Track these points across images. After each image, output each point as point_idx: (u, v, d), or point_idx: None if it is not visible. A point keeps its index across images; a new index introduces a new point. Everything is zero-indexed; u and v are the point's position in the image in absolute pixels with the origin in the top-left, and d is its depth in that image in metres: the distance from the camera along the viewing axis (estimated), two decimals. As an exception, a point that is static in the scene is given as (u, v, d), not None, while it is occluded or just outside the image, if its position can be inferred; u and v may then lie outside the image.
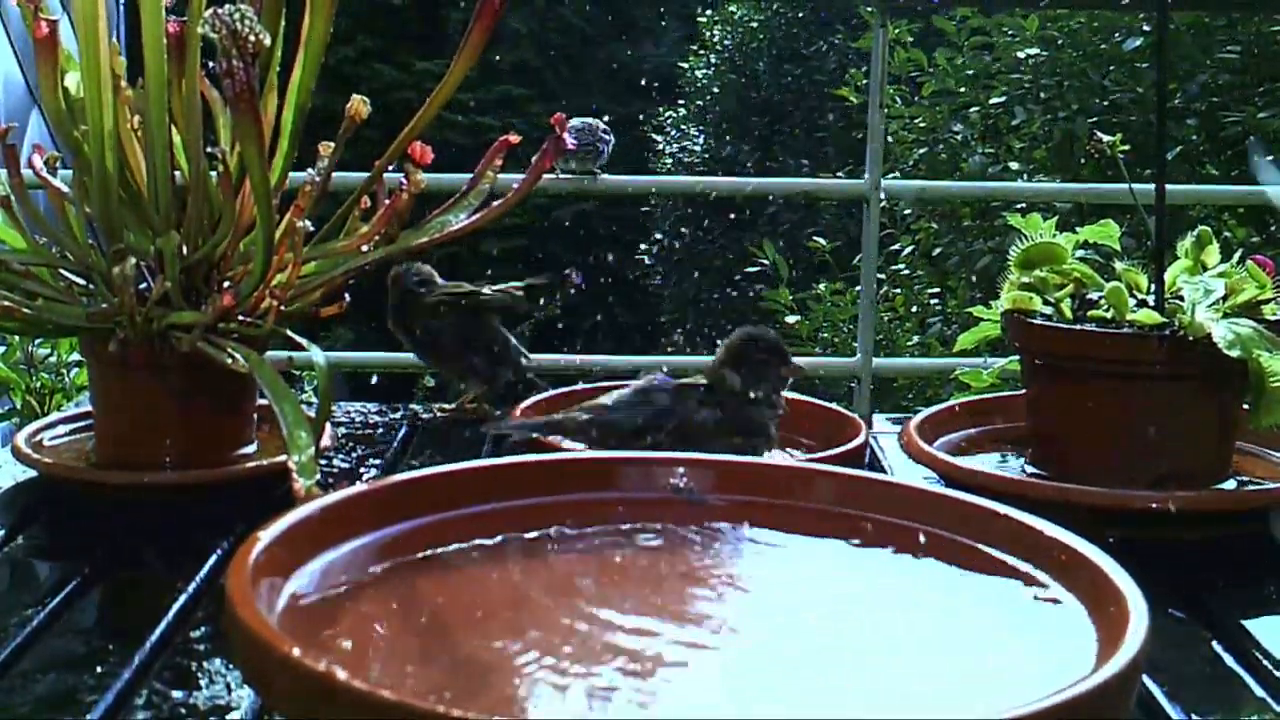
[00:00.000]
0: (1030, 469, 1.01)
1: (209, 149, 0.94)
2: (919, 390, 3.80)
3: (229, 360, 0.90)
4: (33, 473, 1.00)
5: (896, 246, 4.11)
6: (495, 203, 0.99)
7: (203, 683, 0.67)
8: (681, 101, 7.91)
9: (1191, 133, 3.50)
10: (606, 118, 2.36)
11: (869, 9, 2.87)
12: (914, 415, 1.09)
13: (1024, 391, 1.02)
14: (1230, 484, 0.97)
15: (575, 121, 2.25)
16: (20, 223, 0.98)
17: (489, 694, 0.54)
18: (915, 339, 3.90)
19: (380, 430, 1.20)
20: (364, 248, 0.98)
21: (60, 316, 0.96)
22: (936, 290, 4.02)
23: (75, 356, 2.03)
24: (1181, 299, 0.95)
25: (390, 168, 1.00)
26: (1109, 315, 0.96)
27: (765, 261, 3.59)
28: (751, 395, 0.98)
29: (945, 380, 3.29)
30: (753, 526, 0.72)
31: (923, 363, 3.39)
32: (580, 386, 1.20)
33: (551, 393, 1.17)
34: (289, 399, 0.84)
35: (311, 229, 0.96)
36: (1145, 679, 0.69)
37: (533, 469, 0.74)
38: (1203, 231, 1.00)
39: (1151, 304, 0.96)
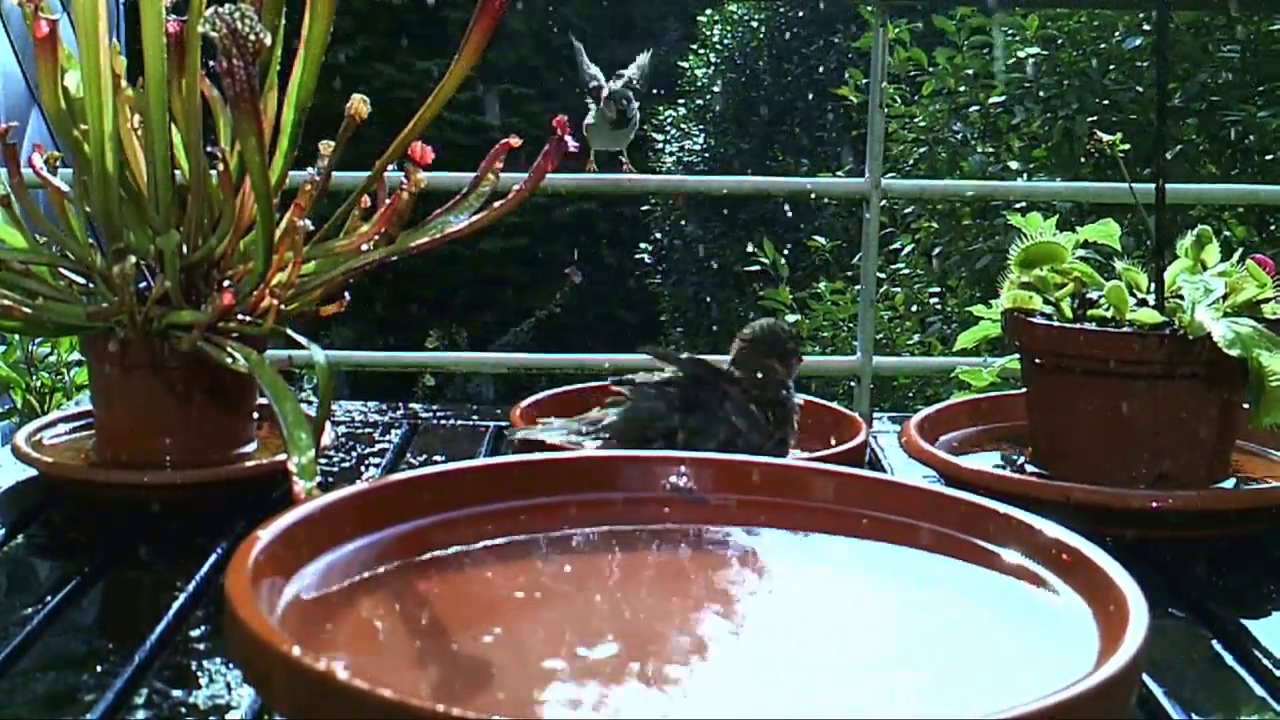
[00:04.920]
0: (1030, 468, 1.01)
1: (209, 148, 0.94)
2: (919, 389, 3.80)
3: (229, 360, 0.90)
4: (32, 472, 1.00)
5: (896, 245, 4.11)
6: (496, 203, 0.99)
7: (203, 682, 0.67)
8: (681, 101, 7.91)
9: (1191, 132, 3.50)
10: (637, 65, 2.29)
11: (869, 8, 2.86)
12: (914, 414, 1.09)
13: (1024, 390, 1.02)
14: (1230, 483, 0.97)
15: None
16: (20, 222, 0.98)
17: (490, 694, 0.54)
18: (915, 338, 3.90)
19: (380, 429, 1.20)
20: (364, 247, 0.98)
21: (60, 315, 0.96)
22: (936, 289, 4.02)
23: (75, 355, 2.03)
24: (1181, 298, 0.95)
25: (390, 167, 1.00)
26: (1109, 314, 0.96)
27: (765, 261, 3.59)
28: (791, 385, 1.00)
29: (945, 379, 3.30)
30: (753, 526, 0.72)
31: (923, 362, 3.39)
32: (577, 386, 1.20)
33: (550, 392, 1.17)
34: (289, 399, 0.84)
35: (311, 228, 0.96)
36: (1145, 678, 0.69)
37: (533, 469, 0.74)
38: (1202, 231, 1.00)
39: (1151, 303, 0.96)
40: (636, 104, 2.07)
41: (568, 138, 0.98)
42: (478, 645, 0.58)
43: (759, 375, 0.99)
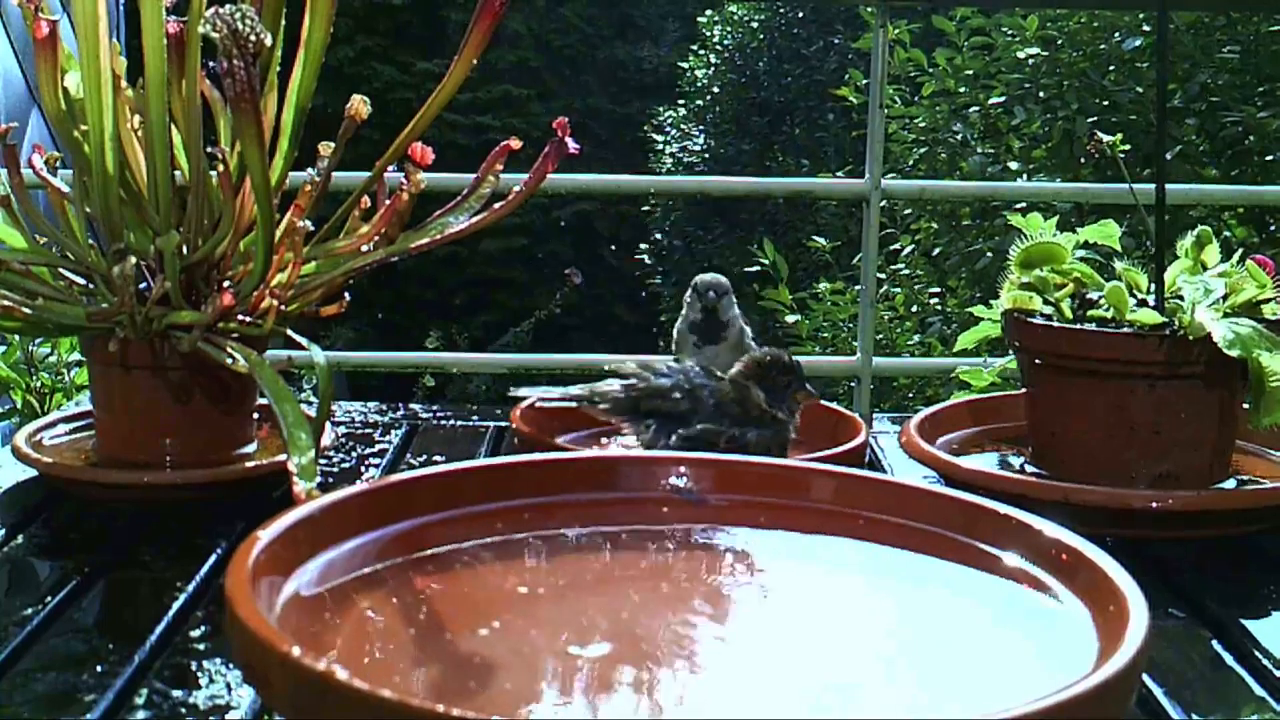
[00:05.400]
0: (1030, 469, 1.01)
1: (209, 149, 0.94)
2: (919, 390, 3.80)
3: (229, 360, 0.90)
4: (33, 472, 1.00)
5: (896, 246, 4.11)
6: (497, 205, 0.99)
7: (203, 682, 0.67)
8: (681, 101, 7.92)
9: (1191, 132, 3.50)
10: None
11: (869, 9, 2.86)
12: (914, 415, 1.09)
13: (1024, 391, 1.02)
14: (1230, 483, 0.97)
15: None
16: (20, 222, 0.98)
17: (489, 694, 0.54)
18: (915, 338, 3.90)
19: (380, 430, 1.20)
20: (364, 248, 0.98)
21: (60, 316, 0.96)
22: (936, 290, 4.02)
23: (75, 356, 2.03)
24: (1181, 299, 0.95)
25: (390, 168, 1.00)
26: (1109, 315, 0.96)
27: (765, 261, 3.59)
28: (777, 414, 1.00)
29: (945, 380, 3.30)
30: (753, 527, 0.72)
31: (923, 362, 3.39)
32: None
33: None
34: (289, 400, 0.84)
35: (311, 229, 0.96)
36: (1145, 678, 0.69)
37: (533, 468, 0.74)
38: (1202, 231, 1.00)
39: (1151, 304, 0.96)
40: (738, 313, 1.24)
41: (568, 139, 0.98)
42: (476, 644, 0.58)
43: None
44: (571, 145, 0.98)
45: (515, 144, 1.01)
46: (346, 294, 1.03)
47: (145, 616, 0.75)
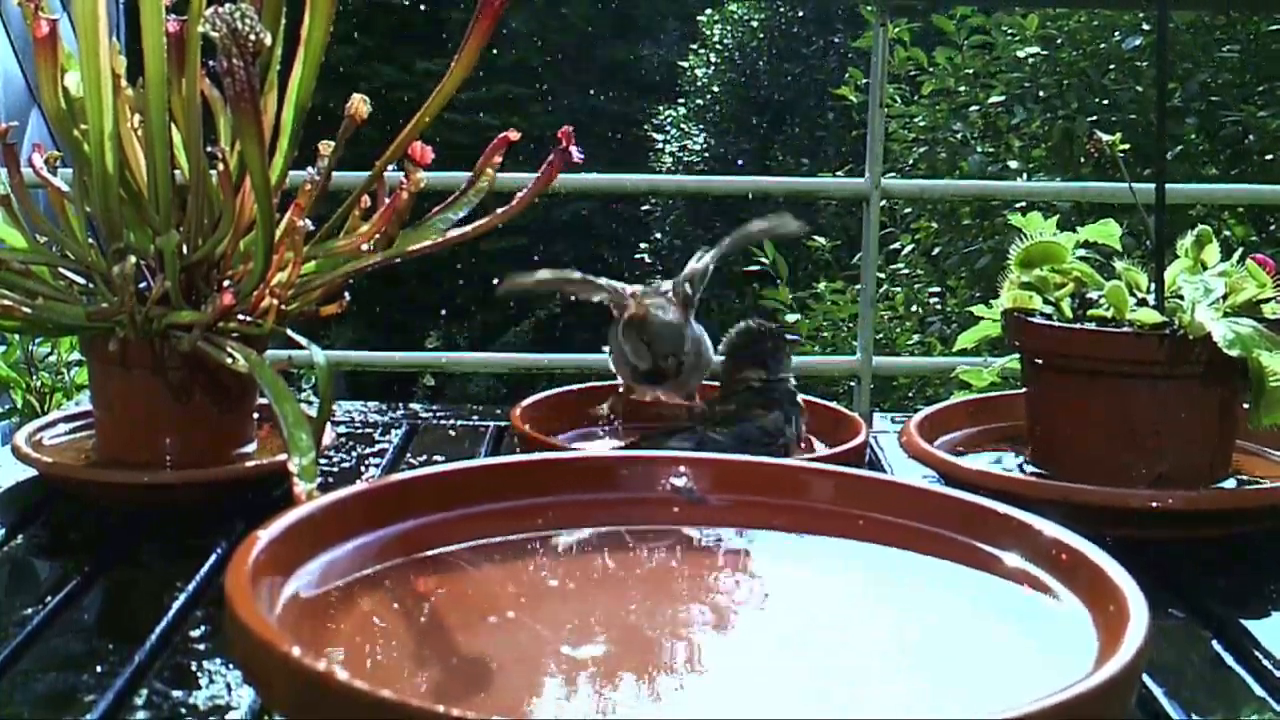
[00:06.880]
0: (1030, 468, 1.00)
1: (209, 148, 0.94)
2: (919, 389, 3.80)
3: (229, 360, 0.90)
4: (32, 472, 1.00)
5: (896, 245, 4.12)
6: (499, 210, 0.99)
7: (203, 682, 0.67)
8: (681, 100, 7.92)
9: (1191, 132, 3.50)
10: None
11: (869, 8, 2.86)
12: (914, 414, 1.09)
13: (1024, 391, 1.02)
14: (1230, 483, 0.97)
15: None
16: (20, 221, 0.98)
17: (490, 694, 0.54)
18: (915, 338, 3.91)
19: (380, 430, 1.20)
20: (364, 247, 0.98)
21: (60, 315, 0.96)
22: (936, 289, 4.02)
23: (75, 355, 2.03)
24: (1181, 298, 0.94)
25: (390, 167, 1.00)
26: (1109, 314, 0.96)
27: (765, 261, 3.59)
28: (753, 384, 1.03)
29: (945, 379, 3.30)
30: (753, 526, 0.72)
31: (923, 362, 3.40)
32: (578, 386, 1.20)
33: (551, 392, 1.17)
34: (289, 400, 0.84)
35: (311, 228, 0.96)
36: (1145, 679, 0.69)
37: (533, 468, 0.74)
38: (1202, 230, 1.00)
39: (1151, 303, 0.96)
40: (693, 339, 1.06)
41: (572, 148, 0.99)
42: (477, 645, 0.58)
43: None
44: (576, 154, 0.99)
45: (514, 135, 1.01)
46: (346, 293, 1.03)
47: (145, 617, 0.75)
